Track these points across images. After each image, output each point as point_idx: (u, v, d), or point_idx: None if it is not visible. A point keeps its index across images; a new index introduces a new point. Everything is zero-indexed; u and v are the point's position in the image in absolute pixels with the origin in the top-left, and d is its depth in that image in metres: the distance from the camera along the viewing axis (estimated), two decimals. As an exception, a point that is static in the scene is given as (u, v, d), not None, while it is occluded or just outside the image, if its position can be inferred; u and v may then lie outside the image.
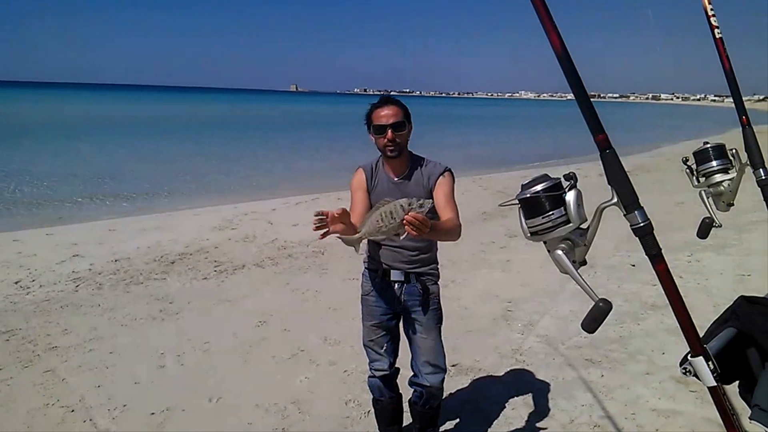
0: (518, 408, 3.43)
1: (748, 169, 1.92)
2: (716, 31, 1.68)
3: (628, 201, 1.08)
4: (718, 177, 2.07)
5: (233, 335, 4.66)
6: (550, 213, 1.18)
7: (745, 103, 2.01)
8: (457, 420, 3.36)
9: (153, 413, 3.45)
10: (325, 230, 2.13)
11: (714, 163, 2.06)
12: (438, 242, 2.76)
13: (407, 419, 3.10)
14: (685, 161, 2.14)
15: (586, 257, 1.27)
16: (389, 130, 2.51)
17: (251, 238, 7.89)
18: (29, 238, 7.88)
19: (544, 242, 1.24)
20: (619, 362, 3.93)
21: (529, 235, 1.25)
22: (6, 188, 12.34)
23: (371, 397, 3.04)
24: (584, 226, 1.22)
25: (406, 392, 2.97)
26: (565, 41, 1.03)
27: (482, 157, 20.80)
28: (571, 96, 1.13)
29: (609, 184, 1.11)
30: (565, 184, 1.22)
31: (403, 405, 3.06)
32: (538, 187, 1.20)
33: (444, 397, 3.01)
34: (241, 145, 24.15)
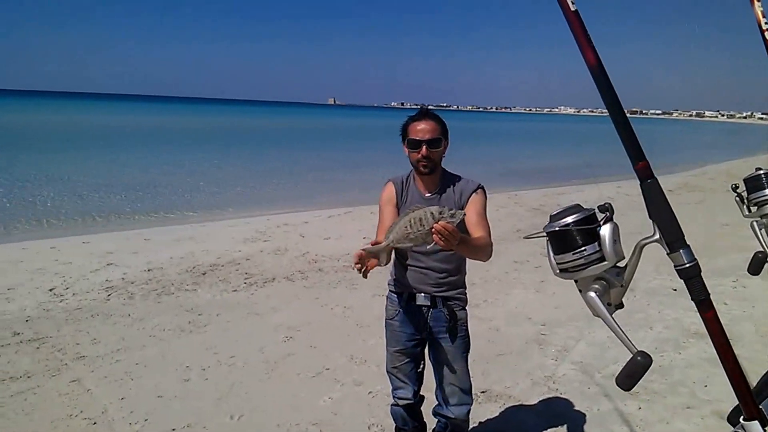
0: (550, 440, 3.28)
1: None
2: (774, 47, 1.55)
3: (673, 238, 0.96)
4: None
5: (259, 350, 4.61)
6: (582, 249, 1.06)
7: None
8: (485, 450, 3.23)
9: (174, 429, 3.40)
10: (365, 269, 2.14)
11: (767, 191, 1.89)
12: (466, 265, 2.65)
13: (431, 447, 2.98)
14: (735, 188, 1.96)
15: (623, 299, 1.14)
16: (424, 146, 2.43)
17: (282, 251, 7.88)
18: (66, 245, 8.03)
19: (575, 280, 1.11)
20: (659, 394, 3.73)
21: (558, 271, 1.13)
22: (45, 196, 12.65)
23: (394, 424, 2.93)
24: (621, 264, 1.08)
25: (430, 420, 2.85)
26: (602, 56, 0.93)
27: (518, 172, 20.52)
28: None
29: (650, 218, 0.98)
30: (599, 216, 1.09)
31: (427, 434, 2.94)
32: (569, 219, 1.08)
33: (471, 427, 2.88)
34: (276, 157, 24.38)
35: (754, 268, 1.89)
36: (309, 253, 7.80)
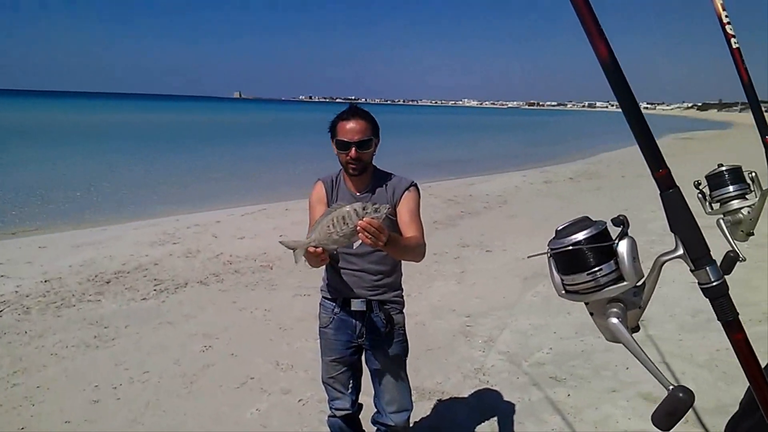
0: (485, 434, 3.26)
1: None
2: (733, 40, 1.52)
3: (698, 254, 0.88)
4: (735, 203, 1.90)
5: (175, 362, 4.31)
6: (597, 269, 0.94)
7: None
8: (422, 451, 3.16)
9: (84, 459, 3.10)
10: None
11: (731, 188, 1.87)
12: (401, 266, 2.54)
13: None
14: (698, 185, 1.94)
15: (638, 321, 1.03)
16: (353, 148, 2.29)
17: (194, 253, 7.49)
18: (-53, 257, 7.23)
19: (585, 303, 1.00)
20: (585, 379, 3.81)
21: (564, 292, 1.00)
22: None
23: (330, 433, 2.78)
24: (639, 283, 0.97)
25: (368, 427, 2.74)
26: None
27: (428, 163, 20.76)
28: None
29: (672, 231, 0.88)
30: (612, 230, 0.98)
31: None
32: (580, 236, 0.94)
33: (408, 427, 2.79)
34: (181, 153, 23.29)
35: (727, 267, 1.82)
36: (223, 254, 7.45)
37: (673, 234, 0.89)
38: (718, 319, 0.87)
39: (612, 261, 0.93)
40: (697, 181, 2.01)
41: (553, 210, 10.82)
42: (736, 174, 1.93)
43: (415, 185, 2.44)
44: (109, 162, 19.06)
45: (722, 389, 3.57)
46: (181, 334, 4.87)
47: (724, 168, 1.95)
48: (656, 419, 0.91)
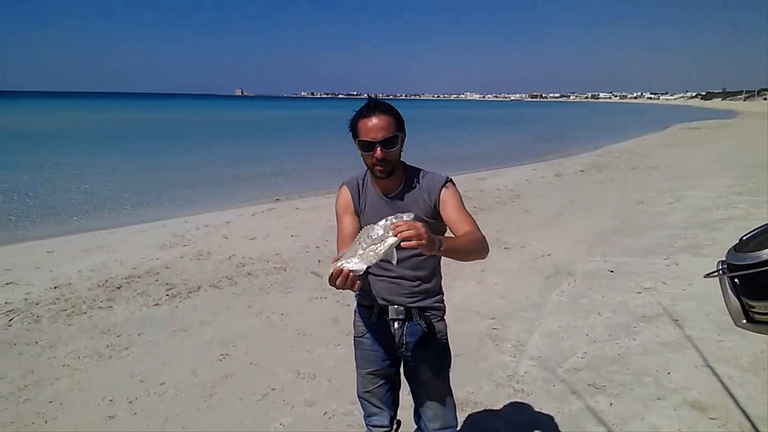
0: (524, 448, 3.08)
1: None
2: None
3: None
4: None
5: (192, 373, 4.13)
6: None
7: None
8: (459, 467, 2.97)
9: (103, 481, 2.93)
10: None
11: None
12: (440, 269, 2.35)
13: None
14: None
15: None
16: (378, 148, 2.07)
17: (206, 256, 7.32)
18: (-47, 264, 7.08)
19: None
20: (625, 386, 3.61)
21: (745, 321, 0.79)
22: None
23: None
24: None
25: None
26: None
27: (436, 159, 20.57)
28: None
29: None
30: None
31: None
32: None
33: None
34: (186, 152, 23.10)
35: None
36: (235, 255, 7.28)
37: None
38: None
39: None
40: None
41: (567, 203, 10.62)
42: None
43: (451, 180, 2.23)
44: (112, 163, 18.90)
45: (774, 396, 3.38)
46: (196, 342, 4.70)
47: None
48: None
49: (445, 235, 2.11)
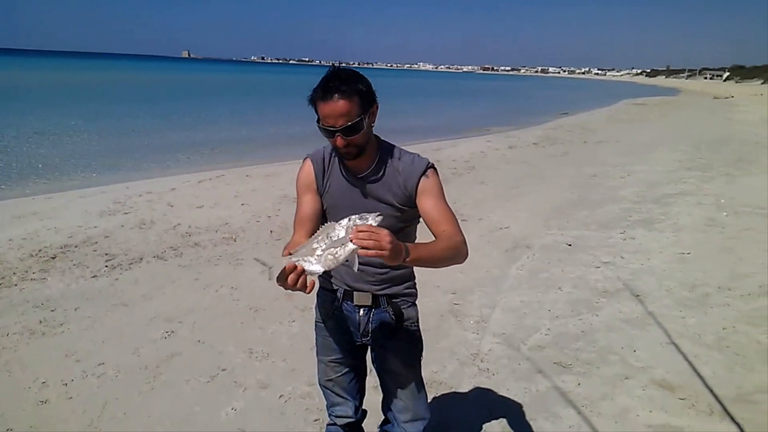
0: (494, 433, 2.93)
1: None
2: None
3: None
4: None
5: (134, 352, 3.82)
6: None
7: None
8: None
9: (31, 476, 2.63)
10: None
11: None
12: None
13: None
14: None
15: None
16: (338, 137, 1.77)
17: (149, 224, 6.89)
18: None
19: None
20: (592, 364, 3.52)
21: None
22: None
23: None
24: None
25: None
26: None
27: (391, 130, 20.32)
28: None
29: None
30: None
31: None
32: None
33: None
34: (128, 115, 21.97)
35: None
36: (180, 225, 6.88)
37: None
38: None
39: None
40: None
41: (523, 176, 10.59)
42: None
43: (432, 167, 1.96)
44: (49, 125, 17.77)
45: (740, 374, 3.34)
46: (138, 318, 4.37)
47: None
48: None
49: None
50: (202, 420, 3.07)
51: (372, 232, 1.45)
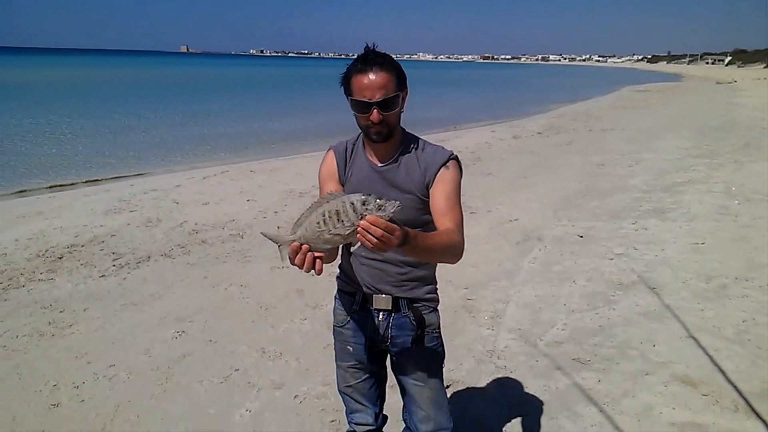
0: None
1: None
2: None
3: None
4: None
5: (145, 353, 3.77)
6: None
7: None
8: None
9: (46, 484, 2.58)
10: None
11: None
12: None
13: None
14: None
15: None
16: (375, 110, 1.73)
17: (155, 222, 6.84)
18: None
19: None
20: (611, 360, 3.45)
21: None
22: None
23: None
24: None
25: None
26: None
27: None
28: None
29: None
30: None
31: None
32: None
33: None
34: (131, 111, 21.86)
35: None
36: (187, 222, 6.83)
37: None
38: None
39: None
40: None
41: (529, 166, 10.50)
42: None
43: (456, 159, 1.90)
44: (49, 122, 17.72)
45: (764, 368, 3.27)
46: (149, 318, 4.32)
47: None
48: None
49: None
50: (216, 422, 3.01)
51: (378, 228, 1.36)
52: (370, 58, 1.76)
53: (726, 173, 8.94)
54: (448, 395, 3.13)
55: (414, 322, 1.98)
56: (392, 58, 1.80)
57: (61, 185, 9.54)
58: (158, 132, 16.53)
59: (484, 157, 11.52)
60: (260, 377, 3.45)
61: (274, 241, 1.57)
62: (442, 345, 2.09)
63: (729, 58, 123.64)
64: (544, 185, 8.76)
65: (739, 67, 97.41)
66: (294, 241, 1.50)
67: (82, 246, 5.95)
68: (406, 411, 2.11)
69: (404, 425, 2.16)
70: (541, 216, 6.92)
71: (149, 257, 5.65)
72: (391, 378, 2.15)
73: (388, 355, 2.11)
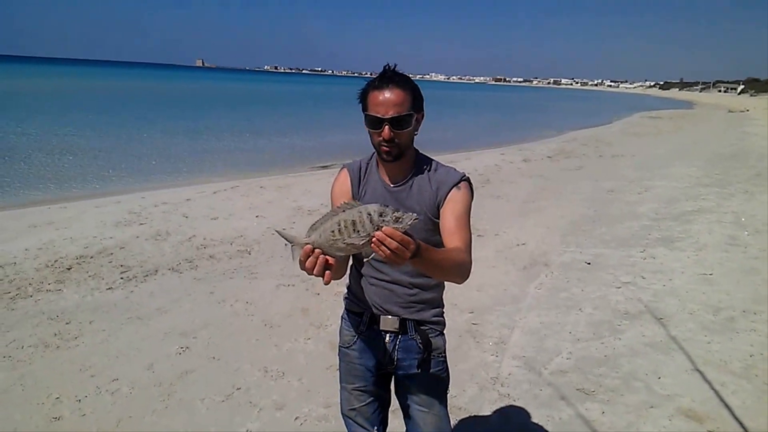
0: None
1: None
2: None
3: None
4: None
5: (149, 368, 3.78)
6: None
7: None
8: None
9: (44, 499, 2.58)
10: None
11: None
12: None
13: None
14: None
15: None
16: (386, 126, 1.77)
17: (164, 236, 6.88)
18: None
19: None
20: (616, 392, 3.43)
21: None
22: None
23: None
24: None
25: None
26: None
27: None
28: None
29: None
30: None
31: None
32: None
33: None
34: (145, 124, 22.10)
35: None
36: (196, 236, 6.87)
37: None
38: None
39: None
40: None
41: (538, 190, 10.49)
42: None
43: (467, 180, 1.94)
44: (65, 133, 17.91)
45: (771, 406, 3.24)
46: (153, 332, 4.33)
47: None
48: None
49: None
50: (217, 442, 3.01)
51: (395, 240, 1.37)
52: (388, 76, 1.81)
53: (736, 203, 8.90)
54: (454, 422, 3.11)
55: (421, 345, 1.98)
56: (410, 79, 1.84)
57: (73, 197, 9.61)
58: (171, 145, 16.66)
59: (493, 179, 11.53)
60: (262, 397, 3.44)
61: (287, 240, 1.58)
62: (447, 370, 2.09)
63: (742, 86, 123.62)
64: (552, 210, 8.74)
65: (751, 95, 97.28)
66: (307, 243, 1.51)
67: (91, 257, 5.98)
68: None
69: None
70: (548, 241, 6.91)
71: (157, 271, 5.68)
72: (394, 402, 2.15)
73: (393, 378, 2.11)
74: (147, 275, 5.55)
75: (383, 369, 2.05)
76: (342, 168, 2.03)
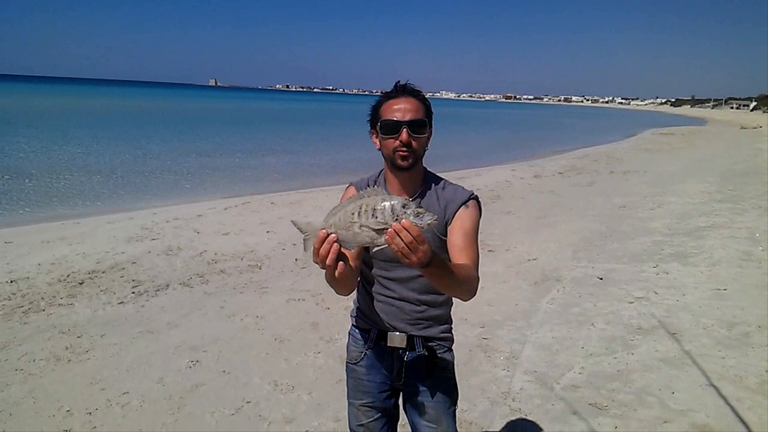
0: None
1: None
2: None
3: None
4: None
5: (159, 381, 3.78)
6: None
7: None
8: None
9: None
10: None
11: None
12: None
13: None
14: None
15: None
16: (404, 129, 1.80)
17: (175, 251, 6.92)
18: None
19: None
20: (629, 407, 3.38)
21: None
22: None
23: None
24: None
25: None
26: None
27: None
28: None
29: None
30: None
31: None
32: None
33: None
34: (158, 141, 22.38)
35: None
36: (207, 252, 6.90)
37: None
38: None
39: None
40: None
41: (550, 206, 10.46)
42: None
43: (476, 199, 1.95)
44: (79, 150, 18.16)
45: (788, 422, 3.18)
46: (164, 346, 4.34)
47: None
48: None
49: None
50: (226, 455, 3.00)
51: (413, 238, 1.37)
52: (403, 88, 1.88)
53: (750, 219, 8.81)
54: (461, 436, 3.09)
55: (428, 361, 1.97)
56: (424, 95, 1.90)
57: (86, 213, 9.71)
58: (183, 161, 16.82)
59: (504, 195, 11.52)
60: (271, 411, 3.43)
61: (301, 231, 1.57)
62: (455, 385, 2.08)
63: (754, 103, 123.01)
64: (564, 225, 8.71)
65: (764, 112, 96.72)
66: (323, 229, 1.50)
67: (103, 272, 6.02)
68: None
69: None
70: (560, 256, 6.87)
71: (168, 285, 5.70)
72: (402, 417, 2.13)
73: (401, 395, 2.10)
74: (158, 290, 5.57)
75: (391, 385, 2.04)
76: (349, 185, 2.03)
